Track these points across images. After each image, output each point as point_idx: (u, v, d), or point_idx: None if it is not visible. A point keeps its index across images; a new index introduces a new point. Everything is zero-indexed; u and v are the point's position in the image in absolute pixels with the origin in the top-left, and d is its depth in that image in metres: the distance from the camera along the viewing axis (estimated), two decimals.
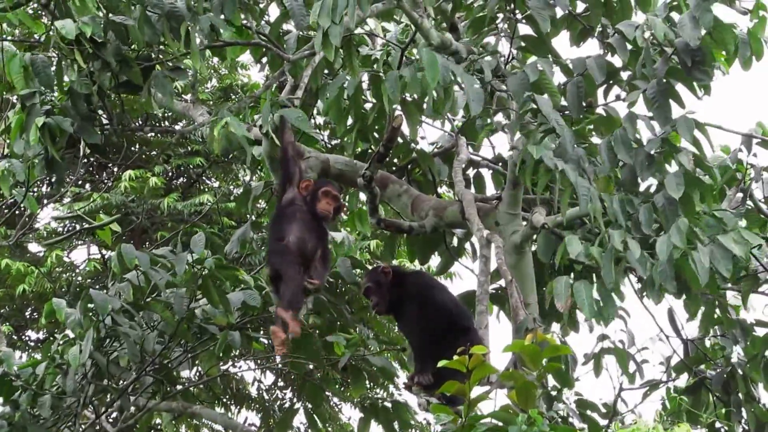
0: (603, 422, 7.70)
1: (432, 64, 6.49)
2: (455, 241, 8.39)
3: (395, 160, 8.41)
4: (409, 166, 8.34)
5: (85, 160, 14.12)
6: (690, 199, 6.67)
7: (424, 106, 6.82)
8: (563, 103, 7.09)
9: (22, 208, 13.79)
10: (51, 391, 7.33)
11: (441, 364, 4.90)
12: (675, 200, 6.60)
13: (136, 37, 6.91)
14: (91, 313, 7.13)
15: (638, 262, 6.44)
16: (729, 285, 7.81)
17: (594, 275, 7.07)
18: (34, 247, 15.14)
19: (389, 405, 8.60)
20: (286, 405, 15.38)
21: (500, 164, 8.14)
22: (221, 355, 7.74)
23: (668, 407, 8.04)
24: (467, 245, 8.57)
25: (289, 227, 6.87)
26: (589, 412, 7.59)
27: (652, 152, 6.78)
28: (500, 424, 4.78)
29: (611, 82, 7.38)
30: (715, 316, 7.85)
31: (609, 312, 6.49)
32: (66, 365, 7.29)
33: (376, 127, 7.85)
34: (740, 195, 7.80)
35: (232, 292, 7.43)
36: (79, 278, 14.26)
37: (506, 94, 7.15)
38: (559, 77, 7.22)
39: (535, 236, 7.33)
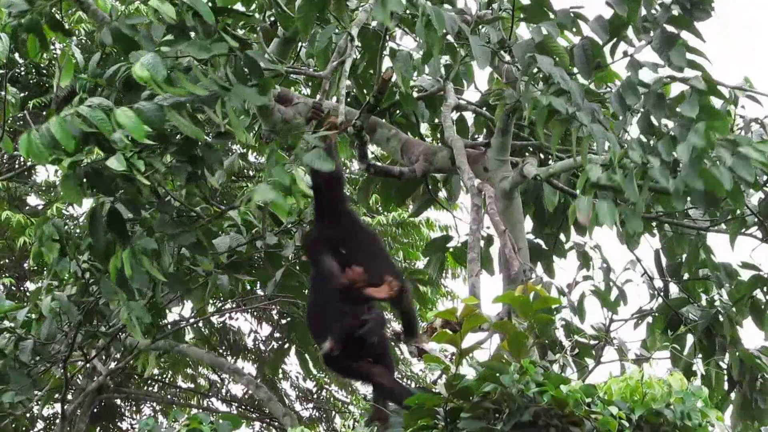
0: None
1: (438, 17, 6.46)
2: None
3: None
4: (390, 109, 8.33)
5: None
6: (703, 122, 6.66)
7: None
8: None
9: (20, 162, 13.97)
10: (34, 336, 7.40)
11: (434, 313, 5.02)
12: (692, 119, 6.49)
13: None
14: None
15: (659, 173, 6.38)
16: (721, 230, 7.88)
17: None
18: (33, 200, 15.21)
19: None
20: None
21: (485, 108, 8.19)
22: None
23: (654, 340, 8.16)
24: (443, 190, 8.67)
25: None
26: (578, 338, 7.70)
27: (659, 91, 6.79)
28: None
29: (617, 39, 7.25)
30: (700, 258, 7.95)
31: (634, 226, 6.43)
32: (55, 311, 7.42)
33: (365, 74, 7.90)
34: None
35: (220, 237, 7.54)
36: (78, 231, 14.29)
37: (513, 66, 7.15)
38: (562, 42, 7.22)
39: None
